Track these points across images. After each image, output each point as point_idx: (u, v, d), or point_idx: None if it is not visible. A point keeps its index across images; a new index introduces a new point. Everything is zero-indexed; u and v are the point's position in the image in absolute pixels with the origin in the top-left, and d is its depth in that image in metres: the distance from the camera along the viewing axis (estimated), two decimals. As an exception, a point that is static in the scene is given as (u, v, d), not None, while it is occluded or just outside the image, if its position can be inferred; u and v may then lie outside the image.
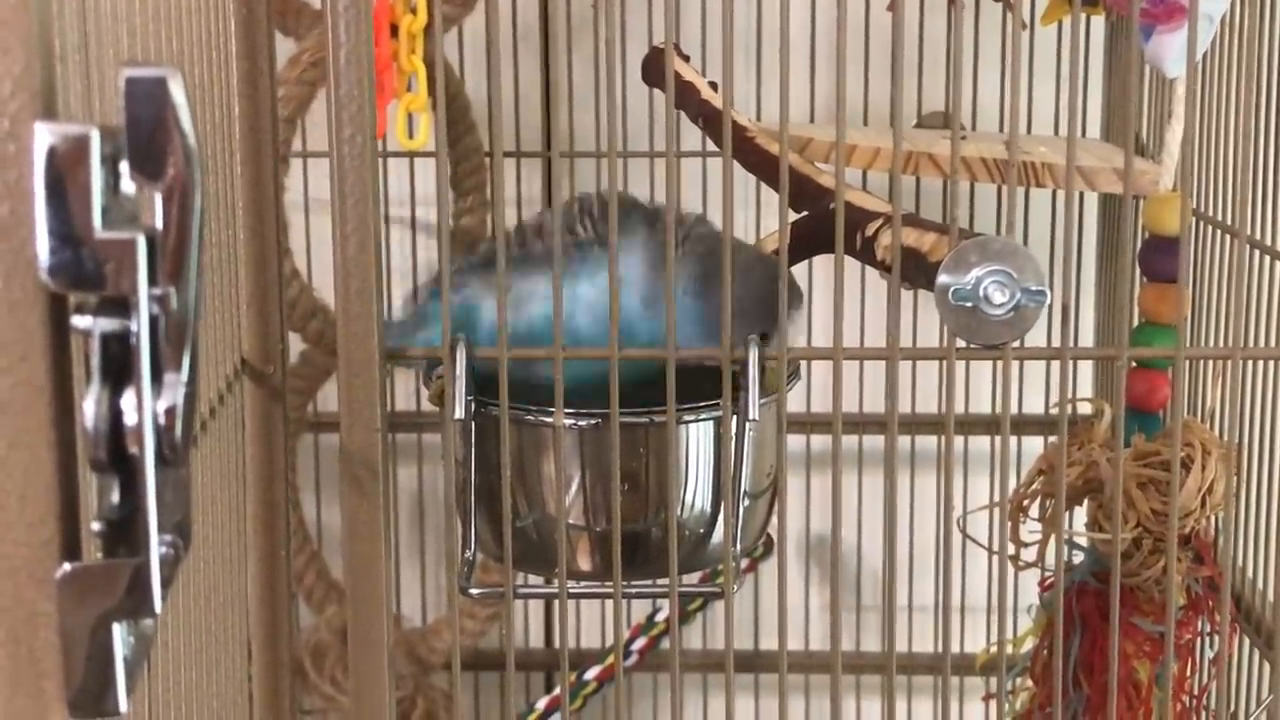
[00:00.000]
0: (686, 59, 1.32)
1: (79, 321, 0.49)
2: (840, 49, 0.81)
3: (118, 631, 0.50)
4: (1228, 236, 1.19)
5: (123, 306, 0.48)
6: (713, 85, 1.25)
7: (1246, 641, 1.16)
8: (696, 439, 0.92)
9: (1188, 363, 1.23)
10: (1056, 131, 1.46)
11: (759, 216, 1.48)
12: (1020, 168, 1.17)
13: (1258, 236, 1.15)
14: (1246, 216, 0.88)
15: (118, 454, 0.49)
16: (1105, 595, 1.17)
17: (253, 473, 0.92)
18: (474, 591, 0.90)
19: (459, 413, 0.86)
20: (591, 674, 1.41)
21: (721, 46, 0.78)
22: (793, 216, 1.09)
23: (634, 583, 0.91)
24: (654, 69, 1.31)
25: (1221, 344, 1.21)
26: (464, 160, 1.43)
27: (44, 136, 0.48)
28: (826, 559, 1.59)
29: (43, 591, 0.50)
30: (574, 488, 0.92)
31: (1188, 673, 1.16)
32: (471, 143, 1.43)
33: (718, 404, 0.92)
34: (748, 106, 1.45)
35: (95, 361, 0.49)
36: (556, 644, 1.64)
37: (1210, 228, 1.22)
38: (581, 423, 0.91)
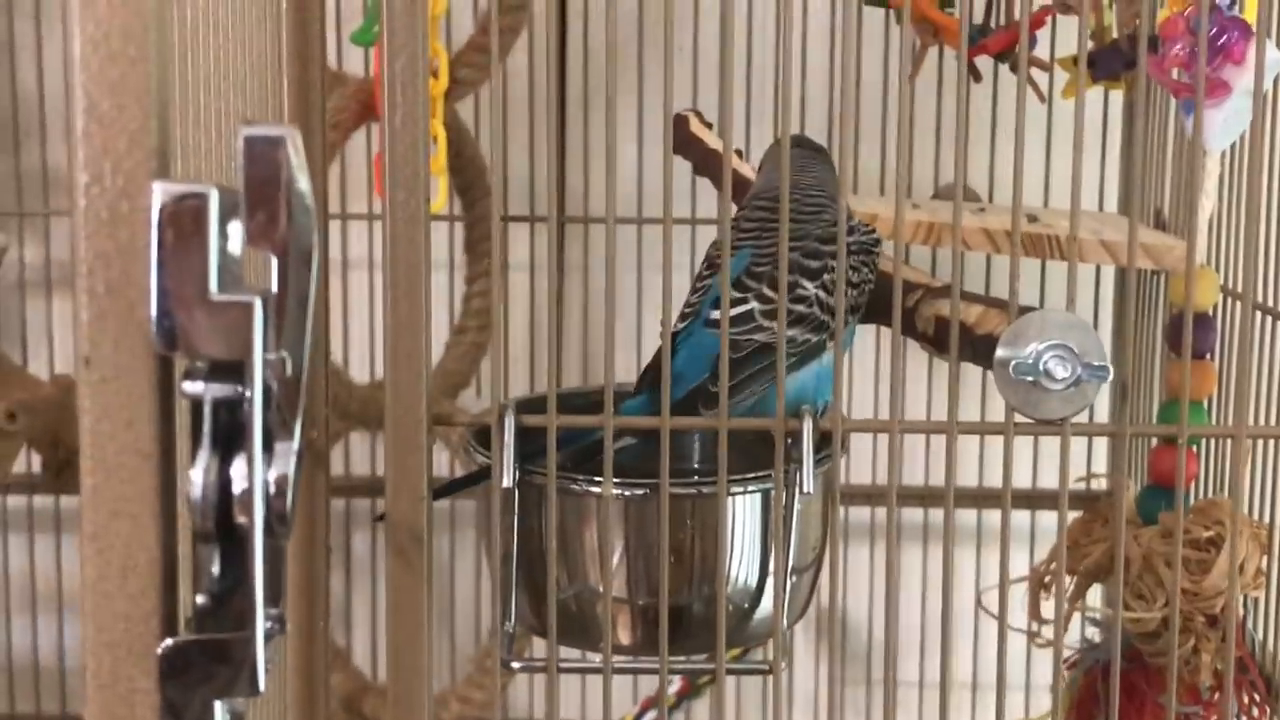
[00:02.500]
0: (710, 126, 1.32)
1: (189, 387, 0.47)
2: (907, 117, 0.80)
3: (220, 711, 0.48)
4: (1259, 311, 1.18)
5: (234, 371, 0.47)
6: (739, 153, 1.25)
7: (1279, 722, 1.14)
8: (743, 511, 0.91)
9: (1214, 440, 1.22)
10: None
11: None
12: (1045, 240, 1.17)
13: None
14: (1251, 287, 0.86)
15: (224, 524, 0.47)
16: (1132, 674, 1.16)
17: (293, 540, 0.90)
18: (515, 665, 0.89)
19: (507, 481, 0.84)
20: (602, 747, 1.38)
21: (752, 113, 0.77)
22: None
23: (678, 658, 0.89)
24: (677, 137, 1.30)
25: (1255, 422, 1.20)
26: (477, 225, 1.42)
27: (161, 196, 0.46)
28: (810, 633, 1.58)
29: (142, 668, 0.48)
30: (616, 559, 0.90)
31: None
32: (485, 208, 1.42)
33: (766, 475, 0.90)
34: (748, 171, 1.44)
35: (205, 428, 0.47)
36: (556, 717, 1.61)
37: (1238, 303, 1.21)
38: (626, 493, 0.89)
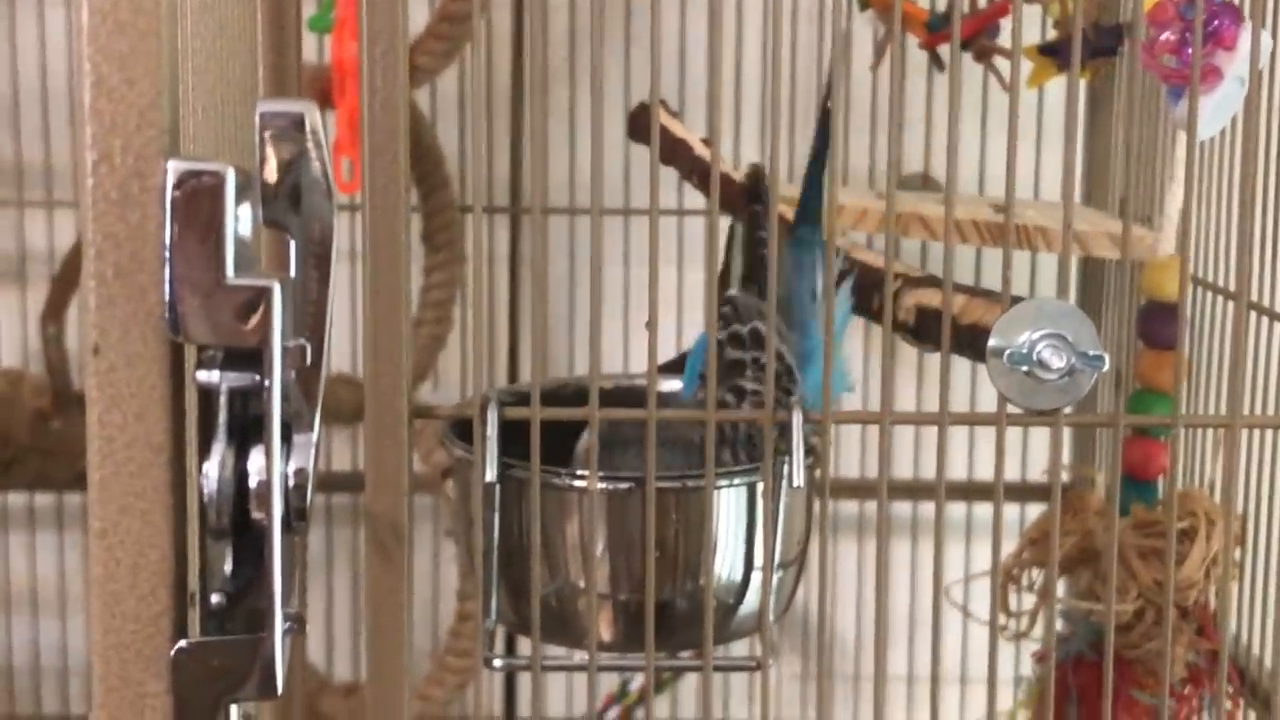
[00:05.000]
0: (675, 114, 1.30)
1: (203, 376, 0.45)
2: (897, 107, 0.79)
3: (236, 715, 0.46)
4: (1228, 302, 1.18)
5: (250, 360, 0.45)
6: (705, 141, 1.23)
7: (1252, 716, 1.14)
8: (728, 506, 0.89)
9: (1187, 430, 1.21)
10: (1036, 195, 1.44)
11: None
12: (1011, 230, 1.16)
13: (1255, 299, 1.13)
14: (1246, 280, 0.86)
15: (240, 520, 0.45)
16: (1102, 668, 1.15)
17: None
18: (498, 663, 0.87)
19: (490, 475, 0.82)
20: (565, 745, 1.37)
21: (704, 100, 0.75)
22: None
23: (660, 654, 0.87)
24: (640, 125, 1.29)
25: (1221, 411, 1.19)
26: (435, 215, 1.40)
27: (174, 175, 0.44)
28: (792, 628, 1.56)
29: (152, 671, 0.45)
30: (598, 554, 0.88)
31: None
32: (443, 198, 1.39)
33: (752, 468, 0.89)
34: (729, 164, 1.43)
35: (220, 419, 0.45)
36: (517, 714, 1.59)
37: (1208, 293, 1.20)
38: (609, 486, 0.87)
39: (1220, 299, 1.18)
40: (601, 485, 0.86)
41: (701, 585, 0.87)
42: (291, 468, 0.45)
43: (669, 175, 1.24)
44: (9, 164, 1.48)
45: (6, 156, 1.48)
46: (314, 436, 0.45)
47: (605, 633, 0.90)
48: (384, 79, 0.79)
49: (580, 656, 0.88)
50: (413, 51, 1.29)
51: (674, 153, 1.22)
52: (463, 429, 0.91)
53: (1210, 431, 1.17)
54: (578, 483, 0.87)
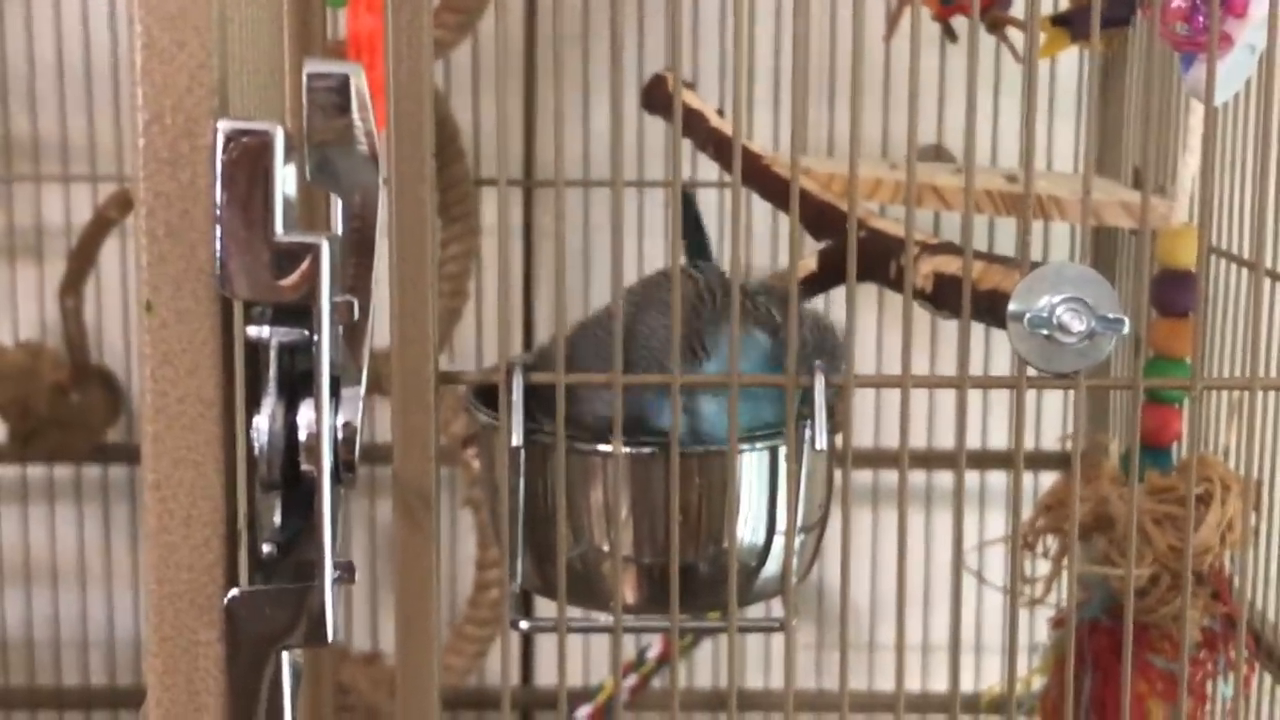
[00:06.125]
0: (690, 85, 1.30)
1: (253, 331, 0.46)
2: (895, 81, 0.80)
3: (287, 661, 0.47)
4: (1240, 269, 1.18)
5: (299, 315, 0.45)
6: (719, 113, 1.24)
7: (1268, 679, 1.15)
8: (750, 470, 0.90)
9: (1200, 398, 1.22)
10: (1049, 165, 1.45)
11: (749, 246, 1.46)
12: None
13: (1269, 267, 1.14)
14: (1264, 248, 0.86)
15: (290, 472, 0.46)
16: (1118, 633, 1.16)
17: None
18: (524, 625, 0.87)
19: (516, 440, 0.83)
20: (583, 712, 1.38)
21: (730, 72, 0.76)
22: (818, 245, 1.07)
23: (684, 616, 0.88)
24: (656, 97, 1.29)
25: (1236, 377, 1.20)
26: (451, 188, 1.40)
27: (224, 135, 0.45)
28: (807, 595, 1.57)
29: (205, 619, 0.46)
30: (622, 519, 0.89)
31: (1204, 711, 1.14)
32: (459, 171, 1.40)
33: (774, 432, 0.89)
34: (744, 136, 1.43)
35: (271, 373, 0.46)
36: (535, 682, 1.60)
37: (1222, 260, 1.21)
38: (632, 451, 0.88)
39: (1233, 266, 1.19)
40: (626, 450, 0.87)
41: (724, 549, 0.87)
42: (340, 420, 0.46)
43: (683, 147, 1.25)
44: (26, 140, 1.49)
45: (23, 132, 1.49)
46: (360, 390, 0.46)
47: (629, 596, 0.91)
48: (409, 47, 0.80)
49: (605, 619, 0.89)
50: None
51: (688, 124, 1.22)
52: (486, 396, 0.92)
53: (1224, 398, 1.18)
54: (602, 447, 0.88)
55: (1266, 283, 1.11)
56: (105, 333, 1.51)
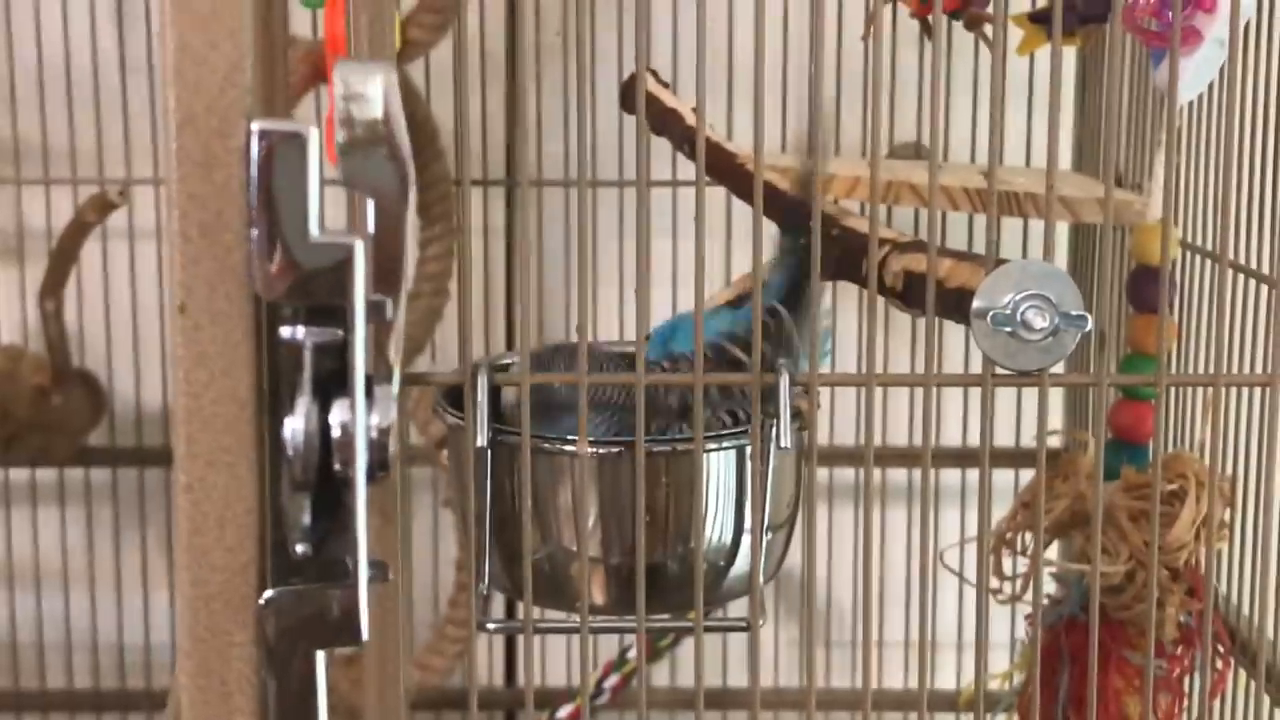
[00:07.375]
0: (666, 85, 1.30)
1: (286, 332, 0.46)
2: (878, 75, 0.79)
3: (321, 661, 0.47)
4: (1212, 263, 1.18)
5: (333, 315, 0.46)
6: (695, 111, 1.23)
7: (1243, 675, 1.15)
8: (718, 469, 0.90)
9: (1176, 394, 1.22)
10: (1028, 162, 1.45)
11: (728, 246, 1.46)
12: (1001, 197, 1.17)
13: (1241, 261, 1.13)
14: (1228, 241, 0.86)
15: (323, 473, 0.46)
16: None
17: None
18: (491, 626, 0.87)
19: (481, 440, 0.83)
20: (564, 713, 1.38)
21: (694, 72, 0.76)
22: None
23: (658, 615, 0.89)
24: (632, 96, 1.29)
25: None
26: (430, 188, 1.40)
27: (259, 135, 0.45)
28: (790, 593, 1.58)
29: (238, 620, 0.46)
30: (590, 519, 0.89)
31: (1180, 708, 1.14)
32: (439, 170, 1.40)
33: (741, 431, 0.90)
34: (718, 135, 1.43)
35: (305, 374, 0.46)
36: (518, 683, 1.60)
37: (1198, 257, 1.21)
38: (600, 450, 0.88)
39: (1208, 261, 1.19)
40: (591, 449, 0.87)
41: (692, 548, 0.88)
42: (374, 421, 0.46)
43: (662, 146, 1.25)
44: (6, 142, 1.49)
45: (4, 134, 1.49)
46: (393, 389, 0.47)
47: (598, 596, 0.91)
48: (372, 51, 0.80)
49: (576, 620, 0.89)
50: (405, 24, 1.30)
51: (665, 123, 1.22)
52: (456, 397, 0.92)
53: (1199, 395, 1.18)
54: (568, 447, 0.88)
55: (1231, 276, 1.11)
56: (86, 336, 1.51)
